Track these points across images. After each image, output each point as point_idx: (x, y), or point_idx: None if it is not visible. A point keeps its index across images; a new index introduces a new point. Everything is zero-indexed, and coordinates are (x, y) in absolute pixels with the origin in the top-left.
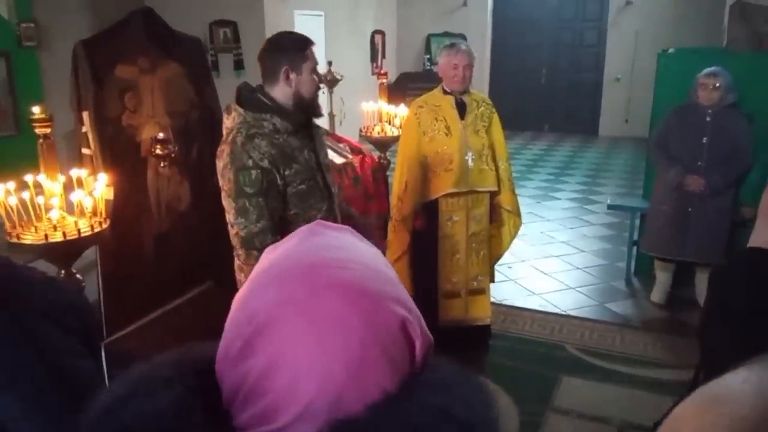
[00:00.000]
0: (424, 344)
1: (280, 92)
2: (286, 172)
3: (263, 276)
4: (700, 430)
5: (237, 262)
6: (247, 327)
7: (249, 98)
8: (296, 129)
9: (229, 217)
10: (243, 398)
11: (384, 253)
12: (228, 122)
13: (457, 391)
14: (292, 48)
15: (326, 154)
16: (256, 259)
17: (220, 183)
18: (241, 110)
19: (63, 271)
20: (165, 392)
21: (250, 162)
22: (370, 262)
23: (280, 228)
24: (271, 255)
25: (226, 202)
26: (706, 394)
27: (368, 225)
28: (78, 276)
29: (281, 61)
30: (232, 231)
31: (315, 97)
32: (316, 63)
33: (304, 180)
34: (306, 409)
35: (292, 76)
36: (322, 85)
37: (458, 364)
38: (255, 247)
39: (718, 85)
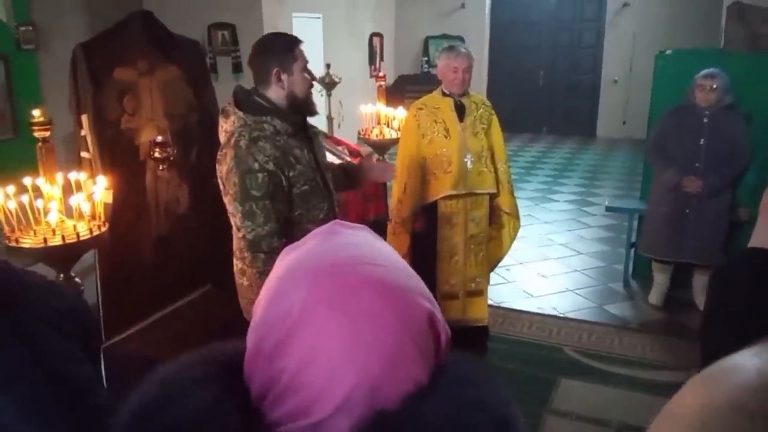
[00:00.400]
0: (446, 336)
1: (274, 94)
2: (291, 174)
3: (291, 276)
4: (703, 400)
5: (239, 266)
6: (280, 326)
7: (246, 101)
8: (295, 130)
9: (235, 220)
10: (276, 395)
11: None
12: (227, 125)
13: (487, 385)
14: (280, 49)
15: (324, 154)
16: (263, 262)
17: (223, 187)
18: (240, 113)
19: (62, 275)
20: (201, 393)
21: (256, 165)
22: (391, 258)
23: (285, 229)
24: (291, 256)
25: (232, 206)
26: (712, 368)
27: (365, 165)
28: (77, 279)
29: (271, 64)
30: (238, 234)
31: (309, 95)
32: (306, 61)
33: (307, 181)
34: (343, 402)
35: (284, 77)
36: (319, 86)
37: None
38: (262, 249)
39: (715, 86)
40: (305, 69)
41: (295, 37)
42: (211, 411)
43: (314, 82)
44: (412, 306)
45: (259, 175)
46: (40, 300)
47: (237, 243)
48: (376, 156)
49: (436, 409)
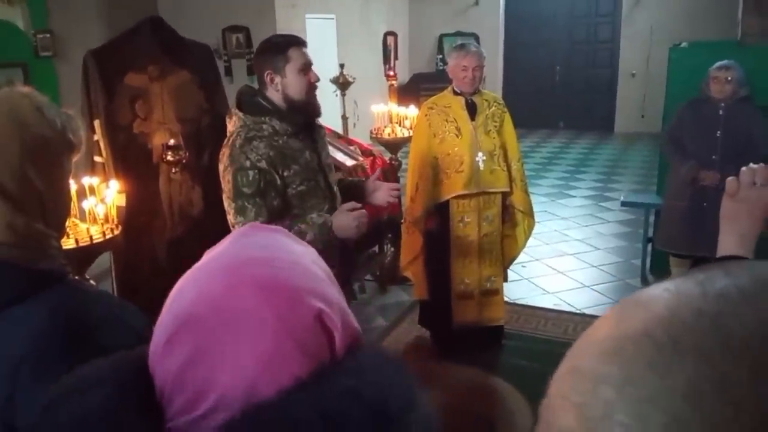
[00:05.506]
0: (345, 335)
1: (273, 95)
2: (285, 173)
3: (191, 276)
4: (618, 328)
5: None
6: (171, 323)
7: (249, 102)
8: (296, 131)
9: (230, 218)
10: (169, 391)
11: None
12: (230, 126)
13: (371, 375)
14: (271, 51)
15: (328, 154)
16: None
17: (222, 185)
18: (240, 114)
19: (76, 277)
20: (96, 391)
21: (248, 163)
22: (297, 259)
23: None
24: (206, 256)
25: (227, 203)
26: (628, 300)
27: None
28: (92, 282)
29: (264, 66)
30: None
31: (309, 96)
32: (305, 62)
33: (304, 181)
34: (218, 401)
35: (277, 79)
36: (333, 86)
37: (383, 349)
38: None
39: (730, 78)
40: (303, 70)
41: (292, 38)
42: (101, 410)
43: (318, 83)
44: (297, 305)
45: (250, 172)
46: (110, 336)
47: None
48: (379, 173)
49: (310, 401)
